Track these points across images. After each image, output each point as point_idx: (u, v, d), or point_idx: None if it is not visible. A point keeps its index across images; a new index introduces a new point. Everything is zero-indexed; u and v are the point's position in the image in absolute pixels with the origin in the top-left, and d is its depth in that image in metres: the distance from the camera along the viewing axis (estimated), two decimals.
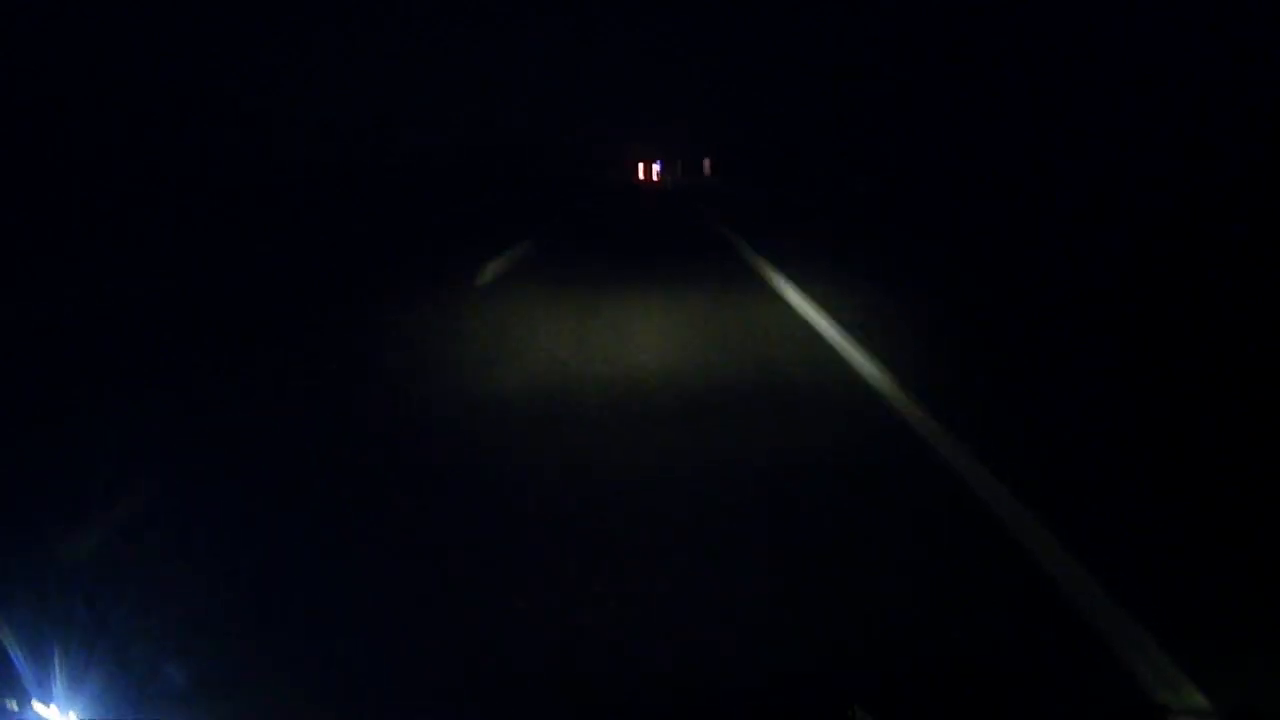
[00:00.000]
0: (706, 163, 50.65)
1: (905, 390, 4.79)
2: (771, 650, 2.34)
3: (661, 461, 3.77)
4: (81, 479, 3.49)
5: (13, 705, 1.51)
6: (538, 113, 43.86)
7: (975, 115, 21.15)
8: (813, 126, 31.85)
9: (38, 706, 1.50)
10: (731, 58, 41.95)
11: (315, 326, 7.28)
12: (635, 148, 48.27)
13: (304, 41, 28.52)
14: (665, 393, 4.89)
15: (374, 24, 35.89)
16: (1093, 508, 3.27)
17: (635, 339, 6.53)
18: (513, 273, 10.36)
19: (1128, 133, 15.38)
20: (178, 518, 3.18)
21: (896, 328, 6.81)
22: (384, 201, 20.69)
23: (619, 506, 3.27)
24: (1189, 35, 14.43)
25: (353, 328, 7.24)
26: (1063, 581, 2.67)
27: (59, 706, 1.51)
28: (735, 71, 42.65)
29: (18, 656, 1.64)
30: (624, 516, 3.18)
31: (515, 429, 4.29)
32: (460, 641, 2.35)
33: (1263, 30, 12.95)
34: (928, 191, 20.25)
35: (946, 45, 22.58)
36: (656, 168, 52.77)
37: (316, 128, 26.90)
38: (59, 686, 1.56)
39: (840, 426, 4.34)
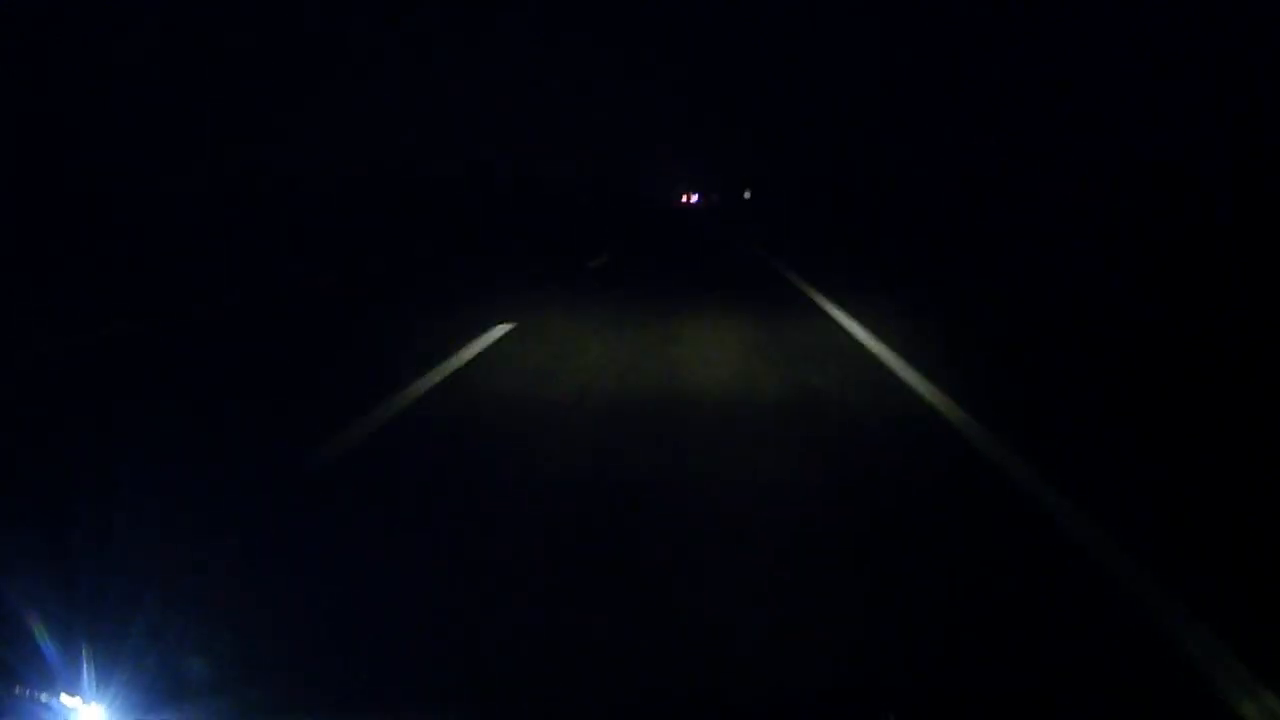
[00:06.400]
0: (716, 196, 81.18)
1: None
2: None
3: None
4: None
5: (43, 697, 1.49)
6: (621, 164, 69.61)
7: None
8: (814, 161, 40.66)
9: (66, 699, 1.47)
10: (756, 114, 54.61)
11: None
12: (682, 185, 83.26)
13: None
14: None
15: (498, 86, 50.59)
16: None
17: (682, 230, 31.82)
18: (644, 211, 43.94)
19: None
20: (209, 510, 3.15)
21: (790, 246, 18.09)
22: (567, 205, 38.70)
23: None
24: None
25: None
26: None
27: (87, 698, 1.48)
28: (753, 125, 55.40)
29: (49, 648, 1.62)
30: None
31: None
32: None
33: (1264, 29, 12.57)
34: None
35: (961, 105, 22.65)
36: (695, 197, 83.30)
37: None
38: (88, 679, 1.54)
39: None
